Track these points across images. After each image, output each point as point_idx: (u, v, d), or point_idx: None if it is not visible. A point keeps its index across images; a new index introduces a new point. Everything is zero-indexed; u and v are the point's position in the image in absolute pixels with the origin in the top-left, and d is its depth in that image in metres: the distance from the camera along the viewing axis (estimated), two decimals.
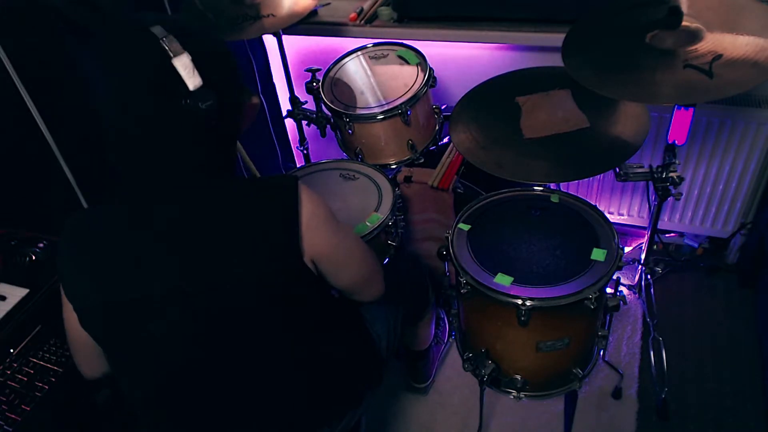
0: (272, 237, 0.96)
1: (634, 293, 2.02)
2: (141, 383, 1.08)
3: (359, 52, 1.98)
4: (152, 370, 1.05)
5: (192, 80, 0.91)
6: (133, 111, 0.92)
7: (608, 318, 1.52)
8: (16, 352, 1.26)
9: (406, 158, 1.88)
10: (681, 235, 2.21)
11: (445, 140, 2.00)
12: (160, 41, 0.89)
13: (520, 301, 1.27)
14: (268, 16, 1.80)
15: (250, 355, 1.05)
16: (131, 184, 0.98)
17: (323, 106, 1.92)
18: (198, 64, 0.91)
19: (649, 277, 1.96)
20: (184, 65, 0.90)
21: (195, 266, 0.95)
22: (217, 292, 0.96)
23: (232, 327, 1.00)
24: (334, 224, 1.06)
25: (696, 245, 2.20)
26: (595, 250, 1.36)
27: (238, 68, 1.02)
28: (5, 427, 1.13)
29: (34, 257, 1.39)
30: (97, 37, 0.95)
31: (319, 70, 1.94)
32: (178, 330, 1.00)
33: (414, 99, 1.77)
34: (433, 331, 1.81)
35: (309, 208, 0.99)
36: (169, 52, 0.89)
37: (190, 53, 0.90)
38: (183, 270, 0.95)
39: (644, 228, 2.08)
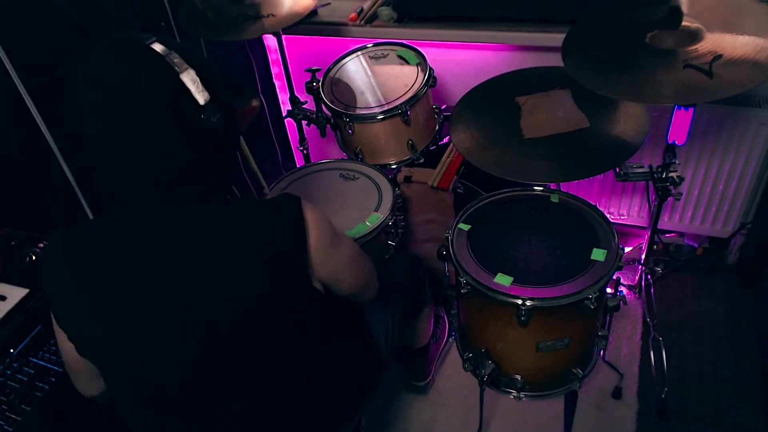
0: (280, 263, 0.95)
1: (634, 293, 2.02)
2: (140, 402, 1.07)
3: (359, 52, 1.98)
4: (152, 390, 1.04)
5: (201, 95, 0.90)
6: (145, 130, 0.88)
7: (608, 318, 1.52)
8: (16, 352, 1.26)
9: (406, 158, 1.88)
10: (681, 235, 2.21)
11: (445, 140, 2.00)
12: (166, 58, 0.88)
13: (520, 301, 1.28)
14: (268, 16, 1.79)
15: (251, 372, 1.04)
16: (131, 207, 0.94)
17: (323, 106, 1.92)
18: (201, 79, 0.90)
19: (649, 277, 1.96)
20: (192, 80, 0.89)
21: (198, 292, 0.93)
22: (221, 316, 0.95)
23: (235, 347, 0.99)
24: (337, 240, 1.06)
25: (696, 245, 2.20)
26: (595, 250, 1.36)
27: (228, 79, 1.01)
28: (5, 427, 1.13)
29: (34, 257, 1.39)
30: (97, 57, 0.90)
31: (319, 70, 1.94)
32: (179, 353, 0.98)
33: (414, 99, 1.77)
34: (431, 329, 1.81)
35: (316, 231, 0.98)
36: (176, 68, 0.88)
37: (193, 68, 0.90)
38: (185, 297, 0.93)
39: (644, 228, 2.08)
